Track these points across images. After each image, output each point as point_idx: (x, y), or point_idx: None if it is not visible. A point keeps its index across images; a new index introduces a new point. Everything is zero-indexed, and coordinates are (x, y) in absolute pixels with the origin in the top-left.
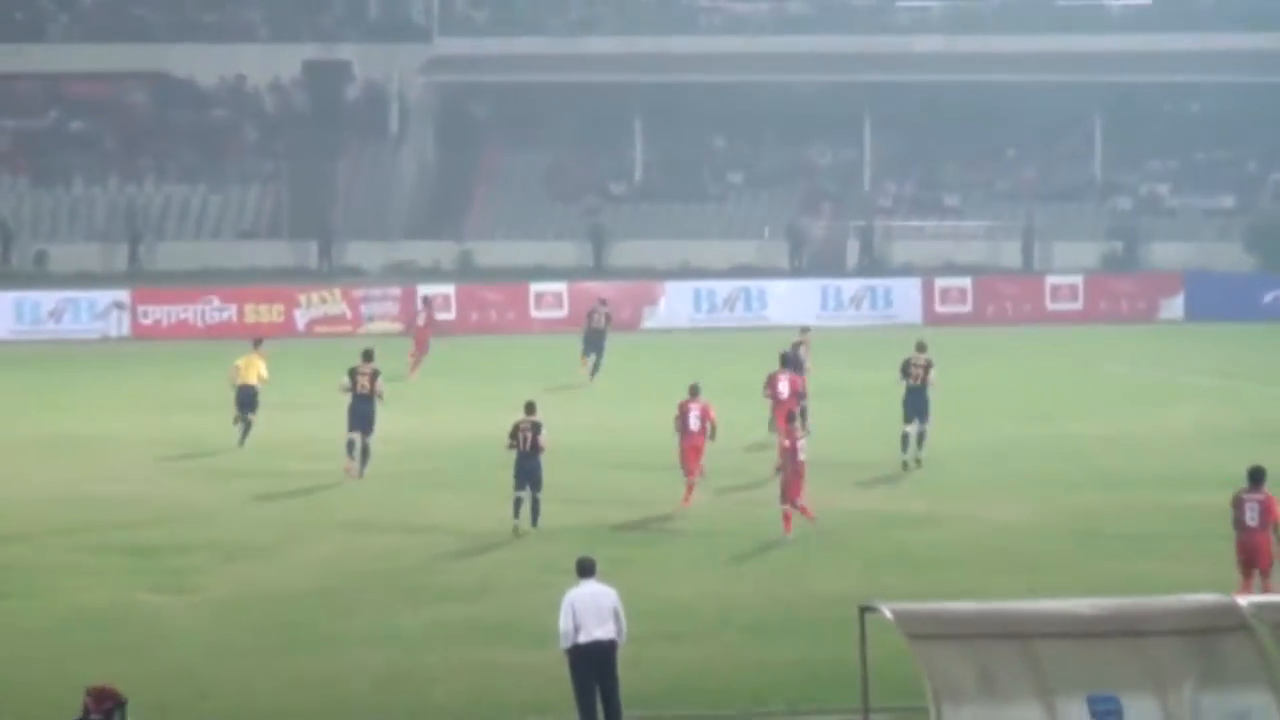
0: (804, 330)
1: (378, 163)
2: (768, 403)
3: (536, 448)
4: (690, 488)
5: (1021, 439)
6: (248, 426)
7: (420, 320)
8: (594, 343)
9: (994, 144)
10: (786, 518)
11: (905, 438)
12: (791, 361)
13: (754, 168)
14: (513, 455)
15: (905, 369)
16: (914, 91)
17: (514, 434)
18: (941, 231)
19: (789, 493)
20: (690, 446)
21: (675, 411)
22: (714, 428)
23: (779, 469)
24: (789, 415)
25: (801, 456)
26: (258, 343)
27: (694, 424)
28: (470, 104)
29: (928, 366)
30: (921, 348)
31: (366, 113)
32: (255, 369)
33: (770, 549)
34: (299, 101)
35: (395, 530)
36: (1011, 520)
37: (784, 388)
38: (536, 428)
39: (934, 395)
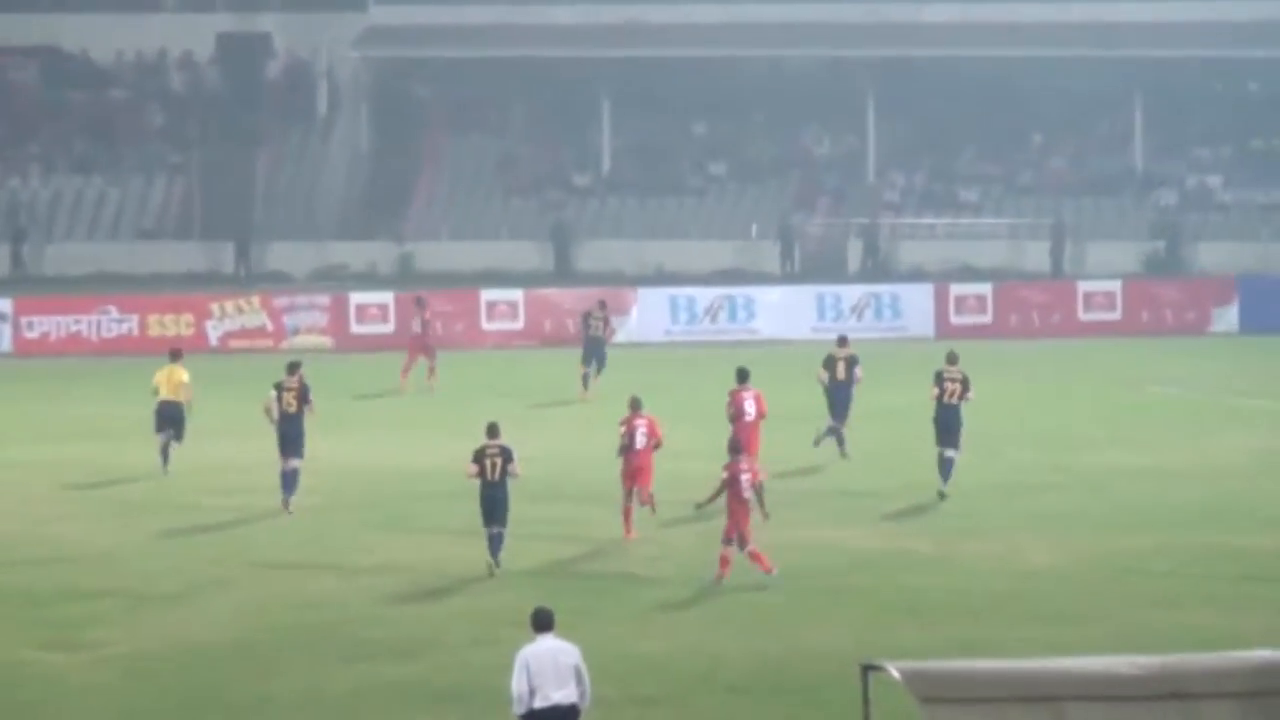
0: (843, 340)
1: (303, 151)
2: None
3: (505, 475)
4: (630, 514)
5: (1049, 469)
6: (170, 447)
7: (416, 326)
8: (593, 352)
9: (1018, 129)
10: (724, 559)
11: (942, 462)
12: (840, 387)
13: (740, 157)
14: (475, 486)
15: (940, 384)
16: (925, 68)
17: (478, 460)
18: (957, 231)
19: (731, 532)
20: (638, 466)
21: (620, 429)
22: (658, 443)
23: (700, 506)
24: (748, 443)
25: (747, 492)
26: (176, 355)
27: (640, 440)
28: (411, 82)
29: (964, 381)
30: (953, 359)
31: (290, 93)
32: (176, 382)
33: (757, 595)
34: (211, 80)
35: (326, 574)
36: (1038, 563)
37: (750, 407)
38: (506, 454)
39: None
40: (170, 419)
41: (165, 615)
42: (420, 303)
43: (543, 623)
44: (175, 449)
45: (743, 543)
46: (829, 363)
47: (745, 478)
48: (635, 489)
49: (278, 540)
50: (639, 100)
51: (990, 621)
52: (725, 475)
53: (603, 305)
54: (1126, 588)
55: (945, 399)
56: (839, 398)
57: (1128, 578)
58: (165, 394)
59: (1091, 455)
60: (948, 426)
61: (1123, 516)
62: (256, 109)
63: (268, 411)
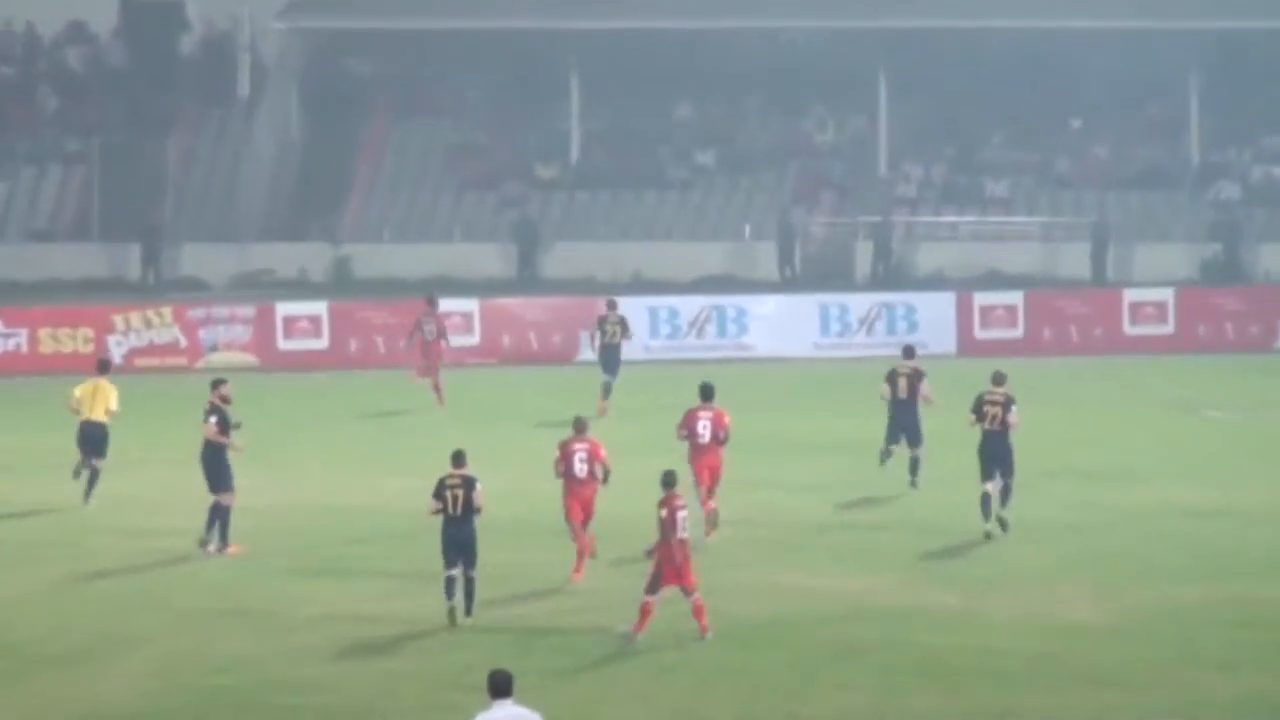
0: (909, 353)
1: (222, 138)
2: (684, 448)
3: (470, 510)
4: (582, 554)
5: (1092, 508)
6: (94, 476)
7: (429, 334)
8: (609, 362)
9: (1053, 112)
10: (645, 610)
11: (986, 499)
12: (902, 407)
13: (731, 145)
14: (432, 526)
15: (979, 408)
16: (946, 42)
17: (439, 494)
18: (983, 230)
19: (660, 580)
20: (578, 499)
21: (556, 454)
22: (606, 472)
23: (649, 552)
24: (711, 470)
25: (683, 533)
26: (104, 367)
27: (580, 469)
28: (347, 58)
29: (1008, 404)
30: (999, 380)
31: (207, 71)
32: (102, 400)
33: (753, 653)
34: (115, 56)
35: (249, 629)
36: (1080, 618)
37: (704, 428)
38: (469, 484)
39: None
40: (93, 441)
41: (57, 680)
42: (431, 302)
43: (500, 687)
44: (98, 476)
45: (687, 590)
46: (891, 377)
47: (682, 515)
48: (580, 524)
49: (197, 588)
50: (613, 79)
51: (1024, 686)
52: (663, 513)
53: (613, 305)
54: (1184, 648)
55: (988, 426)
56: (901, 419)
57: (1185, 636)
58: (89, 413)
59: (1141, 492)
60: (996, 456)
61: (1179, 564)
62: (167, 89)
63: (221, 443)
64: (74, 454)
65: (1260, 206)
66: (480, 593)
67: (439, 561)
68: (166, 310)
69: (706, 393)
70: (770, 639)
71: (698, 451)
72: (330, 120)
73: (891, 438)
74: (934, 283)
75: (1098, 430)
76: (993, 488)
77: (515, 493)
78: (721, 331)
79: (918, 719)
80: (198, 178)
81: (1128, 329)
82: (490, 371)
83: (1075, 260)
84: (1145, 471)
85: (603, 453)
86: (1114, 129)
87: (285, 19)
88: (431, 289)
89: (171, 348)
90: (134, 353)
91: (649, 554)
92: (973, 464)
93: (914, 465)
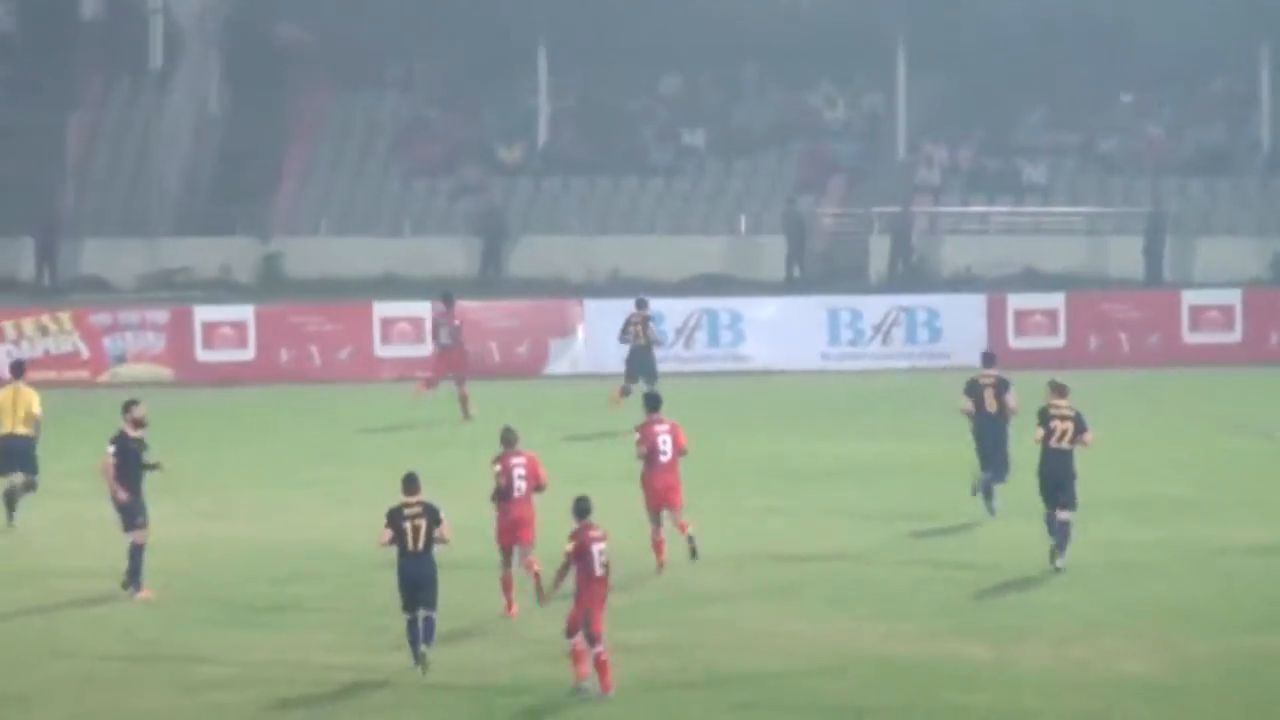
0: (990, 359)
1: (131, 115)
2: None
3: (431, 543)
4: (509, 587)
5: (1143, 547)
6: (12, 496)
7: (444, 337)
8: (640, 365)
9: (1100, 86)
10: (577, 655)
11: (1054, 524)
12: (990, 423)
13: (724, 123)
14: (384, 561)
15: (1047, 422)
16: (974, 4)
17: (394, 523)
18: (1017, 223)
19: (576, 624)
20: (516, 519)
21: (494, 469)
22: (541, 486)
23: (554, 587)
24: (676, 491)
25: (600, 568)
26: (18, 369)
27: (518, 488)
28: (277, 23)
29: (1080, 420)
30: (1061, 390)
31: (113, 38)
32: (22, 408)
33: (747, 714)
34: (4, 22)
35: (168, 682)
36: (1131, 672)
37: (666, 443)
38: (432, 513)
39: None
40: (17, 457)
41: None
42: (448, 300)
43: None
44: (18, 496)
45: (593, 639)
46: (972, 389)
47: (599, 548)
48: (516, 548)
49: (101, 638)
50: (587, 47)
51: None
52: (571, 547)
53: (642, 304)
54: (1252, 707)
55: (1054, 442)
56: (990, 438)
57: (1252, 694)
58: (10, 426)
59: (1203, 527)
60: (1059, 480)
61: (1248, 609)
62: (65, 59)
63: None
64: None
65: None
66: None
67: (386, 606)
68: (65, 315)
69: (654, 403)
70: (766, 698)
71: (659, 470)
72: (257, 94)
73: (987, 462)
74: (961, 283)
75: (1151, 455)
76: (1067, 516)
77: (471, 528)
78: (714, 340)
79: None
80: (102, 161)
81: (1187, 336)
82: (444, 387)
83: (1126, 257)
84: (1206, 503)
85: (541, 470)
86: (1171, 105)
87: None
88: (366, 293)
89: (71, 359)
90: (28, 365)
91: (546, 599)
92: (1020, 494)
93: (990, 490)
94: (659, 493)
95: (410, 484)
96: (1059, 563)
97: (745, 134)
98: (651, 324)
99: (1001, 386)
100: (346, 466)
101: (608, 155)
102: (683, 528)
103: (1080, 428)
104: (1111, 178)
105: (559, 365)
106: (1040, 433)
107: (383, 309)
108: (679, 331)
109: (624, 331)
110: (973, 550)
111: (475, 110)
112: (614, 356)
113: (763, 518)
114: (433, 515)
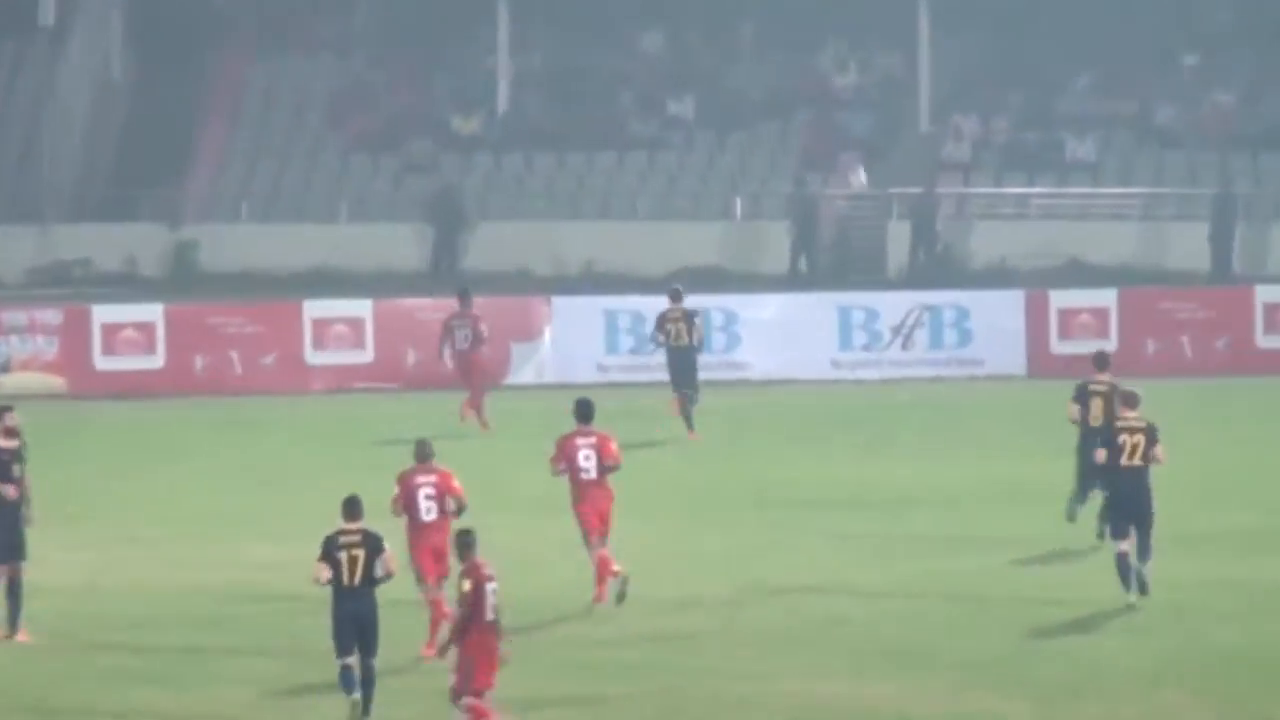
0: (1103, 361)
1: (18, 83)
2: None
3: (372, 578)
4: (436, 621)
5: (1212, 587)
6: None
7: (463, 340)
8: (681, 369)
9: (1158, 47)
10: (476, 714)
11: (1123, 562)
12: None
13: (717, 90)
14: (318, 602)
15: (1111, 437)
16: None
17: (329, 556)
18: (1060, 207)
19: (465, 680)
20: (428, 546)
21: (395, 489)
22: (461, 506)
23: (442, 650)
24: (601, 514)
25: (491, 611)
26: None
27: (426, 510)
28: None
29: (1152, 434)
30: (1131, 401)
31: None
32: None
33: None
34: None
35: None
36: None
37: (588, 458)
38: (372, 544)
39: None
40: None
41: None
42: (464, 299)
43: None
44: None
45: (474, 691)
46: (1081, 394)
47: (491, 588)
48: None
49: None
50: (555, 1)
51: None
52: (470, 586)
53: (677, 295)
54: None
55: (1125, 460)
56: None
57: None
58: None
59: (1276, 565)
60: (1132, 506)
61: None
62: None
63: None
64: None
65: None
66: (384, 691)
67: (320, 655)
68: None
69: (584, 412)
70: None
71: (582, 490)
72: (167, 58)
73: (1086, 481)
74: (995, 277)
75: (1218, 480)
76: (1129, 545)
77: (520, 567)
78: (706, 344)
79: None
80: None
81: (1261, 340)
82: (388, 400)
83: (1188, 246)
84: None
85: (456, 484)
86: (1241, 70)
87: None
88: (295, 289)
89: None
90: None
91: (441, 652)
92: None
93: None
94: (584, 516)
95: (351, 509)
96: (1144, 570)
97: (741, 102)
98: (697, 320)
99: (1115, 394)
100: (273, 492)
101: (580, 127)
102: (605, 563)
103: (1152, 440)
104: (1171, 153)
105: (522, 374)
106: (1102, 453)
107: (315, 308)
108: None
109: (657, 330)
110: (1012, 586)
111: (424, 75)
112: (586, 363)
113: (764, 552)
114: (374, 545)
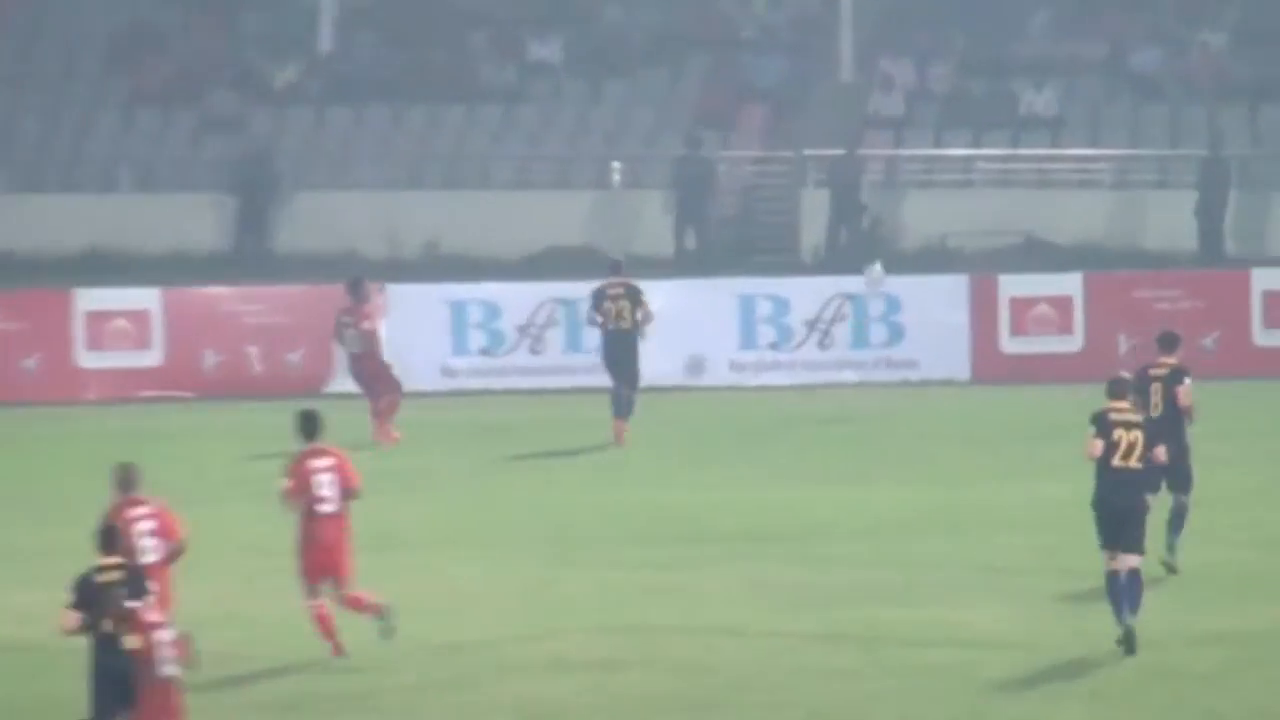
0: (1170, 342)
1: None
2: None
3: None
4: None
5: (1200, 641)
6: None
7: (352, 341)
8: (620, 358)
9: None
10: None
11: (1114, 583)
12: (1160, 428)
13: (590, 28)
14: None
15: (1141, 383)
16: None
17: (85, 601)
18: (1014, 174)
19: None
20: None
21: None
22: (178, 553)
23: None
24: (342, 551)
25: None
26: None
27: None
28: None
29: (1176, 378)
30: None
31: None
32: None
33: None
34: None
35: None
36: None
37: (327, 485)
38: (134, 580)
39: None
40: None
41: None
42: (354, 291)
43: None
44: None
45: None
46: (1141, 380)
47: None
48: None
49: None
50: None
51: None
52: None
53: (616, 267)
54: None
55: (1117, 460)
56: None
57: None
58: None
59: None
60: (1123, 513)
61: None
62: None
63: None
64: None
65: None
66: None
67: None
68: None
69: (311, 427)
70: None
71: (320, 525)
72: None
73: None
74: (933, 260)
75: (1208, 506)
76: (1123, 564)
77: (226, 618)
78: (573, 343)
79: None
80: None
81: (1258, 336)
82: (180, 411)
83: (1170, 221)
84: None
85: (172, 522)
86: (1234, 6)
87: None
88: (62, 276)
89: None
90: None
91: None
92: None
93: (1177, 521)
94: (318, 558)
95: (108, 539)
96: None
97: (621, 44)
98: (643, 298)
99: (1174, 379)
100: (32, 525)
101: (420, 74)
102: (357, 602)
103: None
104: (1150, 107)
105: (347, 380)
106: (1098, 444)
107: (89, 299)
108: (522, 330)
109: (594, 309)
110: (952, 634)
111: (228, 12)
112: (428, 366)
113: (644, 598)
114: (136, 585)
